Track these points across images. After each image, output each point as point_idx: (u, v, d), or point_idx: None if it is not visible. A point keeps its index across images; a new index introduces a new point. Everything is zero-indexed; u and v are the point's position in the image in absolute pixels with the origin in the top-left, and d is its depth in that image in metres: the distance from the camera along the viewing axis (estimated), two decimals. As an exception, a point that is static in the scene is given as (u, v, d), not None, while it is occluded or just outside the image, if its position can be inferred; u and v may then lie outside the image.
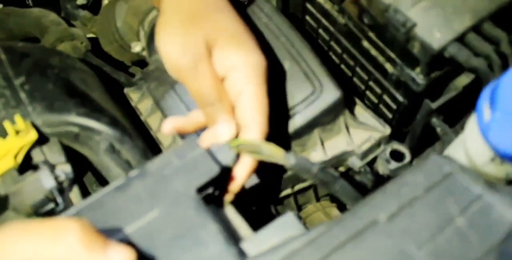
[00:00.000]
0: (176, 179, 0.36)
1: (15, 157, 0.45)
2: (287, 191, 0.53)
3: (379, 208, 0.32)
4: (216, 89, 0.44)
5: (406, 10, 0.43)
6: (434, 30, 0.42)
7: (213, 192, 0.37)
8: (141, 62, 0.68)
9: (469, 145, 0.38)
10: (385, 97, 0.54)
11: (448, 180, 0.33)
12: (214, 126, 0.44)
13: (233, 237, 0.34)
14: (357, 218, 0.32)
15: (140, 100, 0.58)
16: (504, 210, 0.31)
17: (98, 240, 0.30)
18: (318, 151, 0.50)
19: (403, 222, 0.31)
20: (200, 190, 0.36)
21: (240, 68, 0.44)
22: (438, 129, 0.49)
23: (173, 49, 0.44)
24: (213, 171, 0.37)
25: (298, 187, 0.53)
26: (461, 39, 0.43)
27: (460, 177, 0.33)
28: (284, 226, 0.35)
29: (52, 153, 0.47)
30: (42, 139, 0.47)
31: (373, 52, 0.51)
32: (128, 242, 0.33)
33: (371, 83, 0.54)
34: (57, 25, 0.65)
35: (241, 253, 0.33)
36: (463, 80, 0.48)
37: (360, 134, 0.50)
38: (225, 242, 0.33)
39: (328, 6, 0.53)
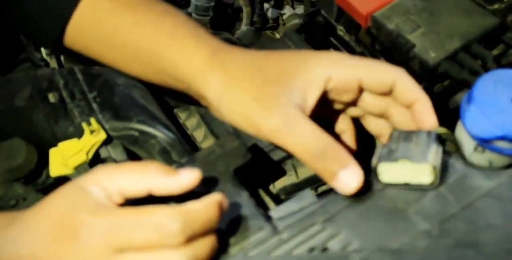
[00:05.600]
0: (218, 163, 0.46)
1: (87, 153, 0.55)
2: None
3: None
4: (320, 137, 0.40)
5: (406, 35, 0.53)
6: (430, 51, 0.52)
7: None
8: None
9: (458, 139, 0.46)
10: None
11: (434, 160, 0.41)
12: (335, 180, 0.39)
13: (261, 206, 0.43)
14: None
15: (187, 118, 0.69)
16: (478, 180, 0.39)
17: (172, 170, 0.39)
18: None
19: (395, 190, 0.39)
20: (236, 170, 0.45)
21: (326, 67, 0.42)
22: (441, 137, 0.57)
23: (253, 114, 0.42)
24: (247, 157, 0.46)
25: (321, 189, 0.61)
26: (453, 58, 0.52)
27: (446, 157, 0.41)
28: (302, 199, 0.43)
29: (116, 152, 0.57)
30: (108, 141, 0.58)
31: (385, 74, 0.60)
32: None
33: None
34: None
35: (267, 216, 0.42)
36: (462, 96, 0.57)
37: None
38: (255, 206, 0.41)
39: (347, 37, 0.63)
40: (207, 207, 0.36)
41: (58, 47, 0.59)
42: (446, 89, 0.56)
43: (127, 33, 0.52)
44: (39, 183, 0.57)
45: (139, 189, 0.39)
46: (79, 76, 0.63)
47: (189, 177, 0.39)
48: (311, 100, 0.42)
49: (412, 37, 0.53)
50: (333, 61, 0.43)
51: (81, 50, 0.59)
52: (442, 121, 0.57)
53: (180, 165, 0.47)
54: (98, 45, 0.55)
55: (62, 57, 0.79)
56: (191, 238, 0.35)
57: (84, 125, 0.55)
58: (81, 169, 0.55)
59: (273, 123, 0.41)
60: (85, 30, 0.56)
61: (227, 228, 0.40)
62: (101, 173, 0.40)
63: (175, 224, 0.34)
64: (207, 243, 0.36)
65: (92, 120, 0.56)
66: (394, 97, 0.44)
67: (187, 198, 0.39)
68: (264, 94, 0.42)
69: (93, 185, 0.39)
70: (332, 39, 0.66)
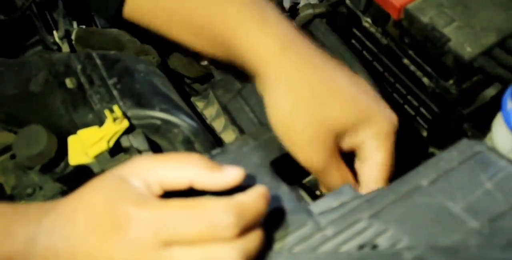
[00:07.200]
0: (253, 155, 0.45)
1: (108, 141, 0.54)
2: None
3: (422, 176, 0.40)
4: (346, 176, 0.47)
5: (441, 28, 0.52)
6: (465, 45, 0.51)
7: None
8: (202, 78, 0.78)
9: (495, 137, 0.46)
10: (421, 109, 0.61)
11: (478, 156, 0.40)
12: None
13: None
14: (403, 184, 0.40)
15: (205, 107, 0.67)
16: (525, 178, 0.38)
17: (215, 164, 0.38)
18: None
19: (442, 186, 0.39)
20: (273, 163, 0.44)
21: (371, 138, 0.46)
22: (469, 133, 0.57)
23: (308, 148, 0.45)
24: (284, 148, 0.45)
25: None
26: (488, 53, 0.51)
27: (488, 154, 0.40)
28: (342, 194, 0.42)
29: (137, 141, 0.56)
30: (129, 130, 0.56)
31: (412, 68, 0.59)
32: None
33: (409, 97, 0.63)
34: (133, 43, 0.75)
35: (309, 211, 0.40)
36: (491, 91, 0.56)
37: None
38: (297, 200, 0.40)
39: (373, 29, 0.62)
40: (255, 200, 0.36)
41: (118, 18, 0.57)
42: (475, 85, 0.55)
43: (193, 8, 0.51)
44: (57, 172, 0.55)
45: (180, 182, 0.37)
46: (97, 61, 0.61)
47: (233, 174, 0.38)
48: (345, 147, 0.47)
49: (446, 31, 0.52)
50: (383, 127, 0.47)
51: (139, 21, 0.57)
52: (469, 119, 0.57)
53: (212, 157, 0.46)
54: (158, 17, 0.54)
55: (73, 41, 0.76)
56: (243, 232, 0.34)
57: (106, 112, 0.54)
58: (101, 158, 0.53)
59: (318, 159, 0.45)
60: (146, 2, 0.54)
61: (268, 223, 0.39)
62: (141, 163, 0.38)
63: (229, 217, 0.33)
64: (256, 237, 0.35)
65: (116, 107, 0.54)
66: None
67: (223, 191, 0.38)
68: (321, 125, 0.45)
69: (132, 176, 0.37)
70: (355, 30, 0.65)
